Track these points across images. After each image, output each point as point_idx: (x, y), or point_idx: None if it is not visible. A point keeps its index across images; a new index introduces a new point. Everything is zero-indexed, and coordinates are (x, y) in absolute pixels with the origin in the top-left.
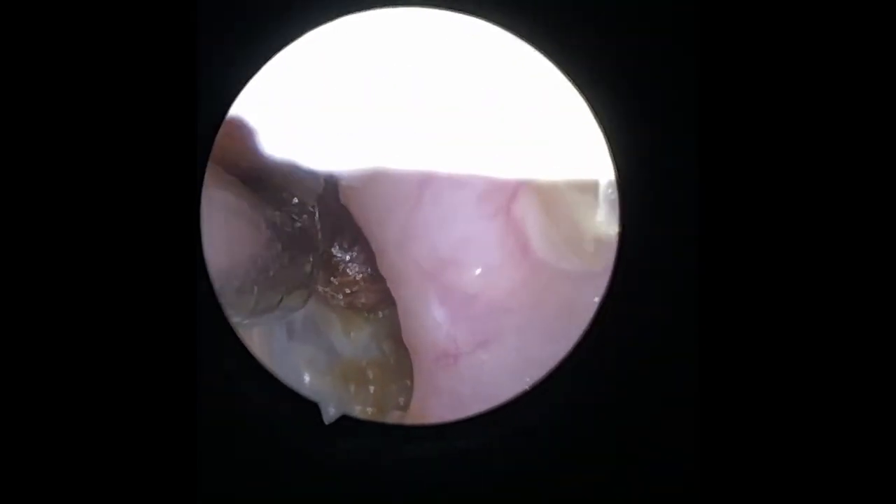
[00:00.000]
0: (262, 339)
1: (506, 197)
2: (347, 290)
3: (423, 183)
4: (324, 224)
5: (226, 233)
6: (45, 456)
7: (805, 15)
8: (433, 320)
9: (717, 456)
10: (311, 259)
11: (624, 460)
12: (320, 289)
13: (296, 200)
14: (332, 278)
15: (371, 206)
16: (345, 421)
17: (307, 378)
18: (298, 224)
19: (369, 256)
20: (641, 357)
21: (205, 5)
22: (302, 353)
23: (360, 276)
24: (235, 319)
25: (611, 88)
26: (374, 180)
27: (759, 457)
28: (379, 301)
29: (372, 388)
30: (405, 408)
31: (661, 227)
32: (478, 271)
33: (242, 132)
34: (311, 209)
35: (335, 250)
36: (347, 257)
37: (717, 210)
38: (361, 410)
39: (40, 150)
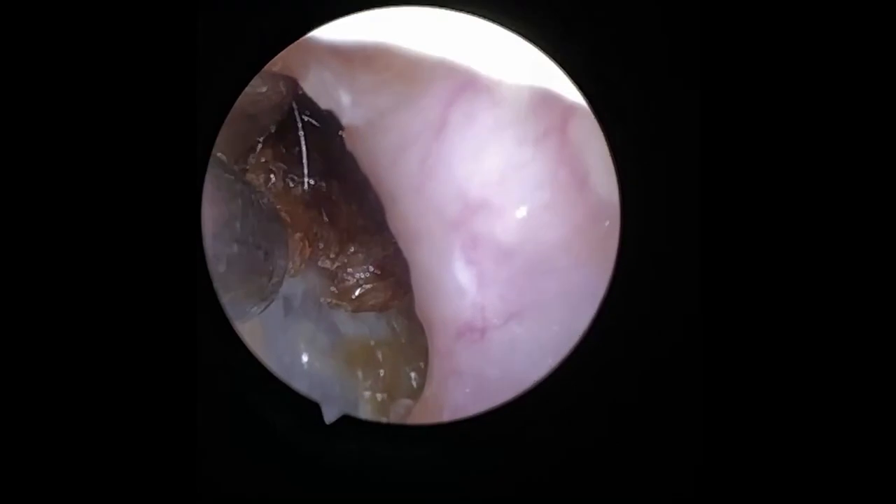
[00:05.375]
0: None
1: (560, 112)
2: (352, 296)
3: (451, 101)
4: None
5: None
6: (44, 455)
7: (805, 23)
8: (456, 285)
9: (721, 458)
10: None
11: (625, 461)
12: (322, 300)
13: None
14: (331, 287)
15: (382, 144)
16: (345, 421)
17: (306, 360)
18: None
19: (369, 253)
20: (644, 358)
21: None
22: (301, 332)
23: (363, 277)
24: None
25: (616, 93)
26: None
27: (762, 454)
28: (392, 297)
29: (382, 372)
30: (417, 394)
31: (662, 231)
32: (520, 213)
33: None
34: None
35: (321, 262)
36: (338, 264)
37: (719, 213)
38: (371, 397)
39: (39, 138)
